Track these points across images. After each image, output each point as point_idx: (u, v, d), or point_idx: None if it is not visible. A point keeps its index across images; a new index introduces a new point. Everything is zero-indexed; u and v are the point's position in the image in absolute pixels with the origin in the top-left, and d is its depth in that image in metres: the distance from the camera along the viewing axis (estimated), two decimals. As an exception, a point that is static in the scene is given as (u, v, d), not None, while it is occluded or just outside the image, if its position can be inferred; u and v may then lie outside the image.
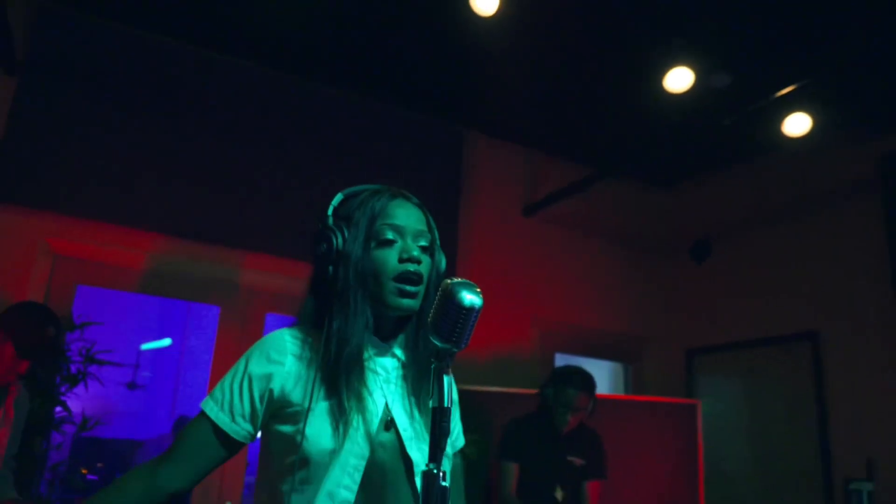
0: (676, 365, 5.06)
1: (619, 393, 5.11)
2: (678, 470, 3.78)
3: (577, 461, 3.05)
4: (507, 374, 4.27)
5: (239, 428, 1.20)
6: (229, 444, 1.21)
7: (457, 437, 1.40)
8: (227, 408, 1.21)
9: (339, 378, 1.16)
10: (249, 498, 4.17)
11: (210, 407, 1.21)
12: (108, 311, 3.57)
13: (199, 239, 3.65)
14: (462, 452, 3.21)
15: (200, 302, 4.17)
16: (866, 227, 3.97)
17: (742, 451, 4.52)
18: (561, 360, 4.85)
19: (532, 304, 4.71)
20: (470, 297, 0.96)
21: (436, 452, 0.95)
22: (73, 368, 3.07)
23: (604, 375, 5.49)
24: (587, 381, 3.04)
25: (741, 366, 4.68)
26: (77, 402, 3.17)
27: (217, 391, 1.23)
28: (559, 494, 3.01)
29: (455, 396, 1.36)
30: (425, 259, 1.26)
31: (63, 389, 3.06)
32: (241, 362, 1.25)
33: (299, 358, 1.23)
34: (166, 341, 6.61)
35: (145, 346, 6.42)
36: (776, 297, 4.46)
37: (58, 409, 3.06)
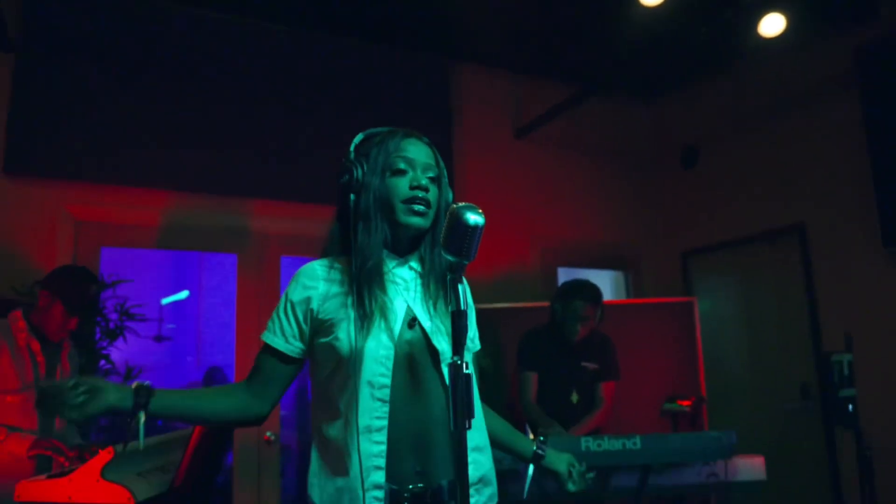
0: (673, 268, 5.30)
1: (621, 299, 5.37)
2: (681, 363, 4.07)
3: (591, 366, 3.30)
4: (512, 289, 4.52)
5: (292, 347, 1.43)
6: (289, 363, 1.44)
7: (474, 338, 1.62)
8: (280, 333, 1.43)
9: (363, 287, 1.38)
10: (284, 429, 4.51)
11: (267, 336, 1.44)
12: (131, 270, 3.76)
13: (210, 192, 3.83)
14: (479, 364, 3.47)
15: (217, 252, 4.38)
16: (846, 121, 4.11)
17: (739, 342, 4.81)
18: (563, 273, 5.09)
19: (530, 223, 4.92)
20: (474, 217, 1.16)
21: (458, 347, 1.16)
22: (111, 324, 3.31)
23: (606, 284, 5.75)
24: (593, 292, 3.26)
25: (734, 263, 4.92)
26: (117, 355, 3.43)
27: (270, 323, 1.45)
28: (574, 398, 3.29)
29: (470, 301, 1.57)
30: (433, 188, 1.46)
31: (104, 344, 3.30)
32: (284, 295, 1.46)
33: (329, 280, 1.44)
34: (184, 294, 6.85)
35: (165, 301, 6.66)
36: (763, 195, 4.66)
37: (101, 362, 3.31)
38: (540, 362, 3.29)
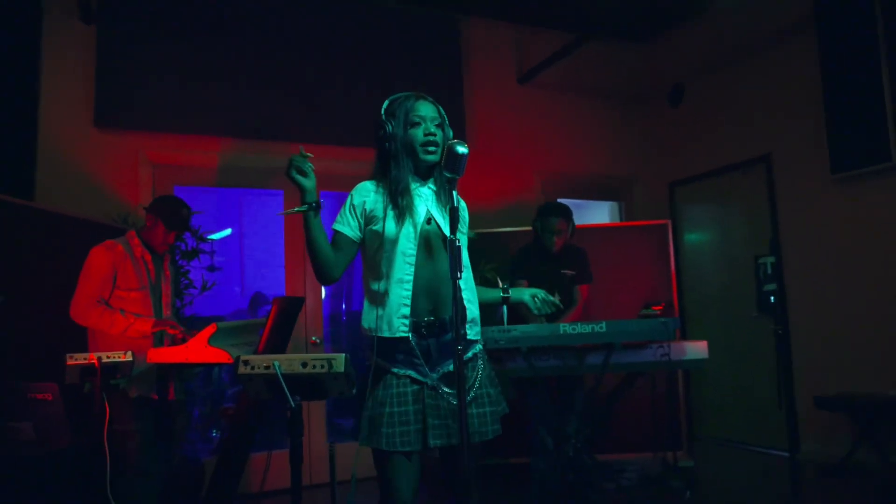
0: (661, 197, 5.98)
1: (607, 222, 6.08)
2: (657, 277, 4.81)
3: (569, 272, 4.06)
4: (517, 217, 5.23)
5: (352, 232, 2.17)
6: (350, 243, 2.17)
7: (466, 230, 2.35)
8: (345, 222, 2.18)
9: (397, 198, 2.12)
10: (329, 334, 5.36)
11: (337, 226, 2.18)
12: (198, 206, 4.55)
13: (261, 137, 4.59)
14: (484, 276, 4.23)
15: (266, 189, 5.14)
16: (805, 61, 4.70)
17: (715, 261, 5.54)
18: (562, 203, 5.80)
19: (533, 159, 5.62)
20: (461, 149, 1.89)
21: (453, 229, 1.90)
22: (190, 247, 4.13)
23: (602, 212, 6.48)
24: (563, 209, 3.99)
25: (713, 191, 5.60)
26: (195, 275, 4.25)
27: (338, 217, 2.19)
28: (557, 298, 4.04)
29: (464, 208, 2.31)
30: (439, 132, 2.19)
31: (183, 263, 4.12)
32: (349, 198, 2.19)
33: (376, 192, 2.18)
34: (227, 231, 7.67)
35: (211, 237, 7.50)
36: (737, 129, 5.30)
37: (183, 280, 4.14)
38: (528, 271, 4.05)
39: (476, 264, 4.47)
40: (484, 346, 3.26)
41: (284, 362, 1.63)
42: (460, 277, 1.89)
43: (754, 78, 5.15)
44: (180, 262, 4.12)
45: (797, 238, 4.82)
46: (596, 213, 6.56)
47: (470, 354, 2.15)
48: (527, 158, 5.59)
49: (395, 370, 2.05)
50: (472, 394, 2.11)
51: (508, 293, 2.45)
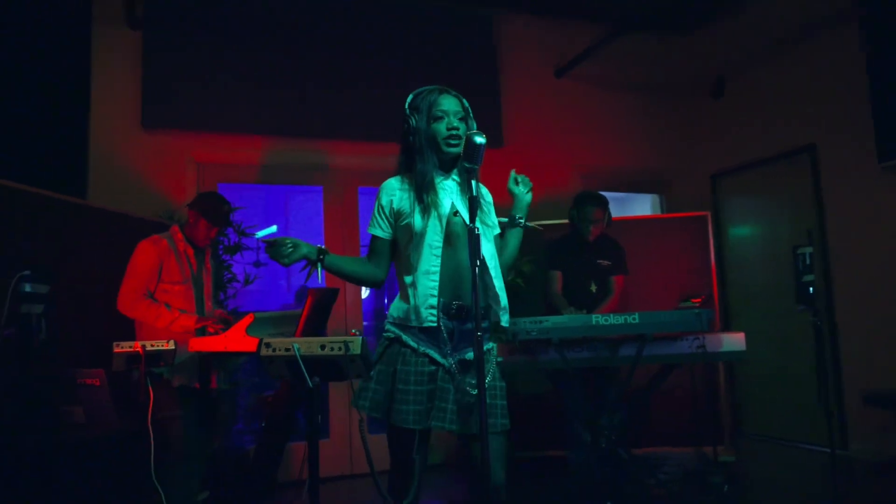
0: (703, 189, 5.89)
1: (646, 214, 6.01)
2: (697, 268, 4.75)
3: (605, 263, 4.05)
4: (556, 211, 5.22)
5: (384, 233, 2.23)
6: (385, 243, 2.24)
7: (494, 225, 2.38)
8: (377, 225, 2.24)
9: (422, 192, 2.17)
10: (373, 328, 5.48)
11: (371, 229, 2.25)
12: (244, 203, 4.70)
13: (300, 135, 4.71)
14: (520, 269, 4.24)
15: (307, 185, 5.28)
16: (849, 49, 4.57)
17: (758, 253, 5.43)
18: (600, 197, 5.76)
19: (572, 153, 5.60)
20: (479, 139, 1.93)
21: (472, 218, 1.93)
22: (232, 242, 4.27)
23: (644, 206, 6.41)
24: (599, 199, 3.98)
25: (756, 182, 5.48)
26: (238, 268, 4.39)
27: (371, 220, 2.25)
28: (593, 288, 4.06)
29: (489, 199, 2.35)
30: (462, 125, 2.22)
31: (227, 258, 4.27)
32: (377, 200, 2.25)
33: (402, 189, 2.23)
34: (273, 228, 7.87)
35: (259, 234, 7.71)
36: (781, 120, 5.17)
37: (226, 274, 4.28)
38: (563, 262, 4.05)
39: (512, 257, 4.52)
40: (515, 336, 3.32)
41: (304, 345, 1.70)
42: (479, 265, 1.92)
43: (797, 67, 5.03)
44: (224, 256, 4.27)
45: (844, 229, 4.69)
46: (637, 207, 6.49)
47: (486, 347, 2.20)
48: (565, 152, 5.58)
49: (415, 345, 2.10)
50: (486, 384, 2.15)
51: (517, 220, 2.34)
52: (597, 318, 3.38)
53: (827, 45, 4.79)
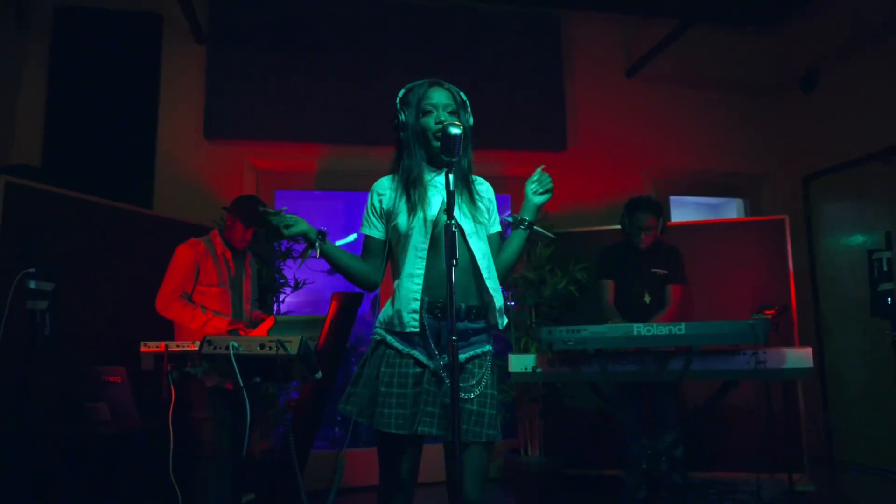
0: (794, 192, 5.40)
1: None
2: (773, 277, 4.34)
3: (661, 271, 3.77)
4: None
5: (378, 233, 2.14)
6: (379, 243, 2.15)
7: (492, 224, 2.24)
8: (370, 225, 2.16)
9: (409, 190, 2.07)
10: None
11: (364, 229, 2.18)
12: (302, 213, 4.79)
13: (354, 141, 4.73)
14: (574, 277, 4.02)
15: (361, 192, 5.31)
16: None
17: (855, 260, 4.89)
18: (675, 201, 5.43)
19: (643, 155, 5.30)
20: (454, 129, 1.82)
21: (449, 214, 1.81)
22: (283, 248, 4.34)
23: (728, 211, 5.98)
24: (651, 204, 3.71)
25: (852, 183, 4.95)
26: (287, 272, 4.45)
27: (363, 221, 2.18)
28: (647, 299, 3.79)
29: (490, 195, 2.21)
30: (453, 119, 2.10)
31: (279, 262, 4.34)
32: (368, 200, 2.19)
33: (392, 188, 2.14)
34: (352, 237, 7.99)
35: (338, 243, 7.85)
36: (879, 115, 4.66)
37: (277, 277, 4.35)
38: (615, 271, 3.81)
39: (566, 264, 4.31)
40: (550, 346, 3.13)
41: (244, 343, 1.65)
42: (456, 265, 1.81)
43: (895, 60, 4.51)
44: (277, 262, 4.34)
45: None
46: (717, 210, 6.08)
47: (480, 351, 2.06)
48: (635, 155, 5.29)
49: (400, 347, 2.00)
50: (477, 390, 2.01)
51: (514, 217, 2.21)
52: (638, 329, 3.13)
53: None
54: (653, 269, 3.78)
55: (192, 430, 3.00)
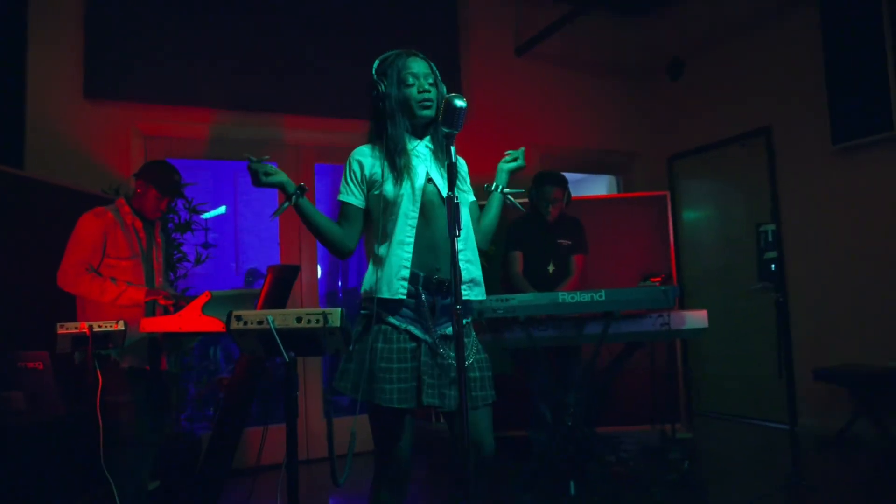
0: (660, 170, 5.92)
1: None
2: (656, 248, 4.77)
3: (565, 242, 4.01)
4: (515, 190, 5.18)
5: (357, 200, 2.11)
6: (357, 211, 2.12)
7: (468, 191, 2.29)
8: (347, 191, 2.12)
9: (395, 159, 2.06)
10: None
11: (342, 196, 2.13)
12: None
13: (250, 108, 4.51)
14: (484, 252, 4.14)
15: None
16: (806, 33, 4.64)
17: (714, 234, 5.51)
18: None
19: (531, 132, 5.54)
20: (459, 102, 1.83)
21: (451, 186, 1.84)
22: (183, 219, 4.06)
23: (601, 186, 6.43)
24: (558, 178, 3.93)
25: (712, 164, 5.54)
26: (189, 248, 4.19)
27: (341, 187, 2.13)
28: (551, 269, 4.02)
29: (465, 170, 2.26)
30: (433, 89, 2.12)
31: (177, 236, 4.06)
32: (346, 167, 2.14)
33: (373, 157, 2.12)
34: (222, 209, 7.59)
35: (206, 216, 7.42)
36: (737, 102, 5.23)
37: (175, 253, 4.07)
38: (523, 242, 4.00)
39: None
40: (481, 315, 3.25)
41: (279, 317, 1.58)
42: (459, 236, 1.83)
43: (755, 50, 5.08)
44: (174, 234, 4.06)
45: (797, 210, 4.78)
46: (593, 189, 6.51)
47: (464, 322, 2.11)
48: (525, 131, 5.51)
49: (396, 322, 2.01)
50: (471, 358, 2.07)
51: (494, 188, 2.29)
52: (563, 297, 3.34)
53: (784, 27, 4.86)
54: (558, 240, 4.00)
55: (108, 414, 2.77)
